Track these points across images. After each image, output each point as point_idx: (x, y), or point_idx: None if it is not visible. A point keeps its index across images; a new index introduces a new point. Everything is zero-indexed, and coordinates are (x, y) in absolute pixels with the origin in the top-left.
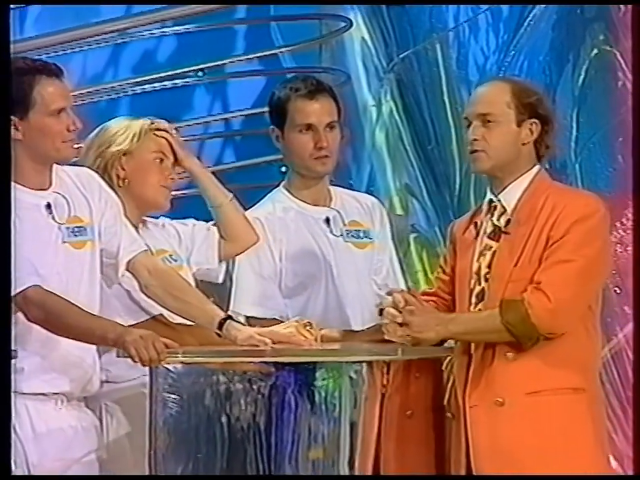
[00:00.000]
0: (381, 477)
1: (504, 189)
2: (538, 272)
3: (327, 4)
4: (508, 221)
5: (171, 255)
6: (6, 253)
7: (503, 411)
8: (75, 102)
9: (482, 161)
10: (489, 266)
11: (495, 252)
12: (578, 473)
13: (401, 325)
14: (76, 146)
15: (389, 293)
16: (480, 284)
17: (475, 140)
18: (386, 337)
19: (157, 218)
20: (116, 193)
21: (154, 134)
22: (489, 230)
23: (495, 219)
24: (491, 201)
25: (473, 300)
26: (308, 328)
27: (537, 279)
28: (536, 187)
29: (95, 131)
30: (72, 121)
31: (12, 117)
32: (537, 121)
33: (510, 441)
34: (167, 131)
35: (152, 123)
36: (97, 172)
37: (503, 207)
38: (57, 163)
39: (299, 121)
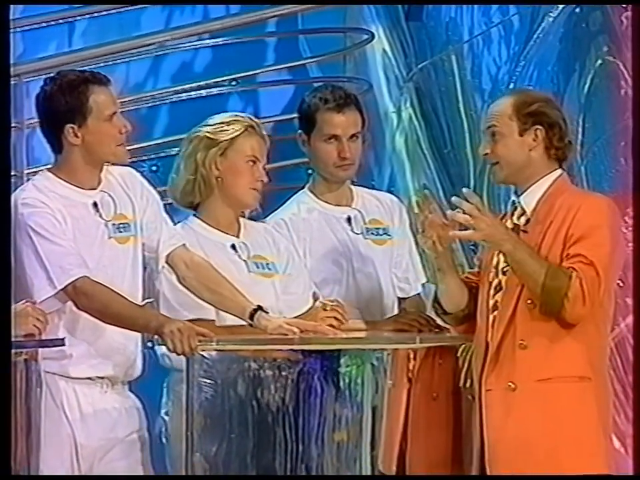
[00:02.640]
0: (381, 477)
1: (525, 191)
2: (571, 262)
3: (364, 4)
4: (527, 221)
5: (267, 264)
6: (6, 252)
7: (515, 395)
8: (122, 109)
9: (496, 173)
10: (507, 260)
11: None
12: (582, 457)
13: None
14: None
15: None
16: (498, 276)
17: (485, 155)
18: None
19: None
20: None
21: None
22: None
23: (515, 218)
24: (513, 202)
25: (492, 292)
26: (329, 307)
27: (577, 270)
28: (555, 190)
29: (199, 125)
30: (123, 124)
31: (71, 125)
32: (540, 127)
33: (520, 423)
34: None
35: (250, 126)
36: (196, 163)
37: (523, 207)
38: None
39: (325, 132)
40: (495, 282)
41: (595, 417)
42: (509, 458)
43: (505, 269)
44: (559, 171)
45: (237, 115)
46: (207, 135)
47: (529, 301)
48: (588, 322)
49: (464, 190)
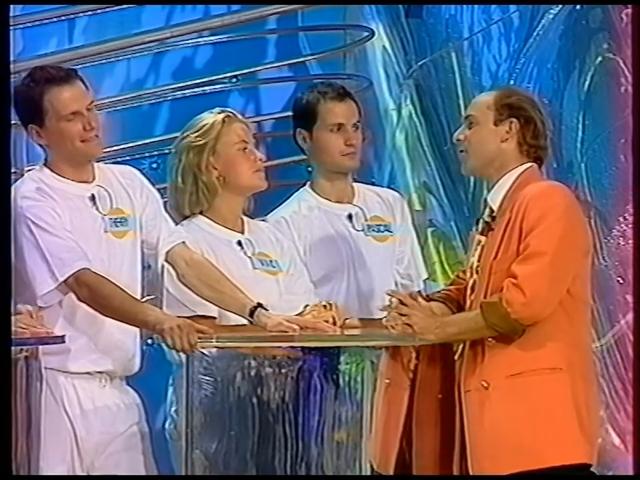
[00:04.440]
0: (380, 477)
1: (493, 186)
2: (513, 265)
3: (358, 4)
4: (494, 218)
5: (271, 261)
6: (6, 248)
7: (489, 394)
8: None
9: (464, 160)
10: (479, 259)
11: (483, 246)
12: (560, 447)
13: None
14: (99, 140)
15: (390, 295)
16: (472, 276)
17: (458, 140)
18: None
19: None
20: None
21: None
22: (480, 227)
23: (485, 215)
24: (485, 199)
25: (468, 292)
26: (328, 308)
27: (512, 273)
28: (519, 184)
29: (178, 140)
30: (87, 120)
31: (32, 126)
32: (515, 120)
33: (496, 421)
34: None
35: (227, 116)
36: (194, 173)
37: (490, 205)
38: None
39: (330, 122)
40: (471, 282)
41: (570, 406)
42: (488, 456)
43: (477, 268)
44: (528, 164)
45: (208, 113)
46: (192, 142)
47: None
48: (557, 313)
49: (386, 291)
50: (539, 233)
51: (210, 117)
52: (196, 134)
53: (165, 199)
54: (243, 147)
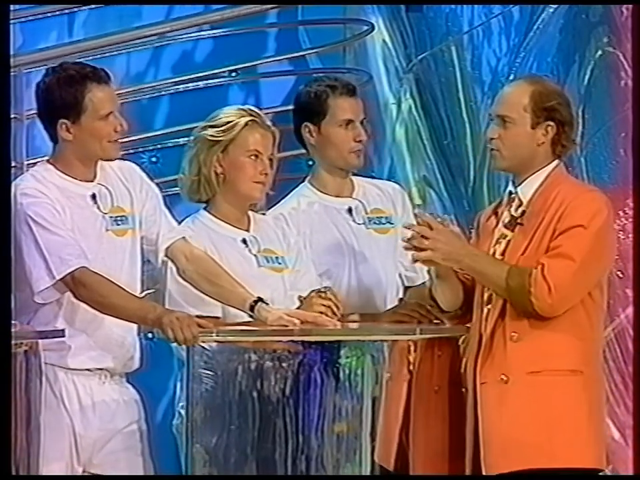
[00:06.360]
0: (381, 477)
1: (522, 181)
2: (543, 257)
3: (357, 4)
4: (523, 212)
5: (277, 258)
6: (6, 243)
7: (508, 388)
8: (122, 100)
9: (497, 159)
10: (503, 253)
11: (509, 241)
12: (574, 450)
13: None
14: (120, 143)
15: (416, 215)
16: None
17: (492, 139)
18: (413, 257)
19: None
20: (216, 186)
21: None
22: (506, 220)
23: (512, 209)
24: (510, 192)
25: None
26: (323, 295)
27: (542, 263)
28: (551, 181)
29: (202, 125)
30: (119, 122)
31: (63, 121)
32: (552, 123)
33: (513, 416)
34: (268, 129)
35: (252, 120)
36: (199, 163)
37: (520, 199)
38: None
39: (340, 117)
40: None
41: (586, 409)
42: (503, 450)
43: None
44: (556, 162)
45: (238, 109)
46: (209, 136)
47: None
48: (579, 314)
49: (415, 211)
50: (574, 237)
51: (235, 115)
52: (215, 129)
53: (165, 193)
54: (254, 155)
